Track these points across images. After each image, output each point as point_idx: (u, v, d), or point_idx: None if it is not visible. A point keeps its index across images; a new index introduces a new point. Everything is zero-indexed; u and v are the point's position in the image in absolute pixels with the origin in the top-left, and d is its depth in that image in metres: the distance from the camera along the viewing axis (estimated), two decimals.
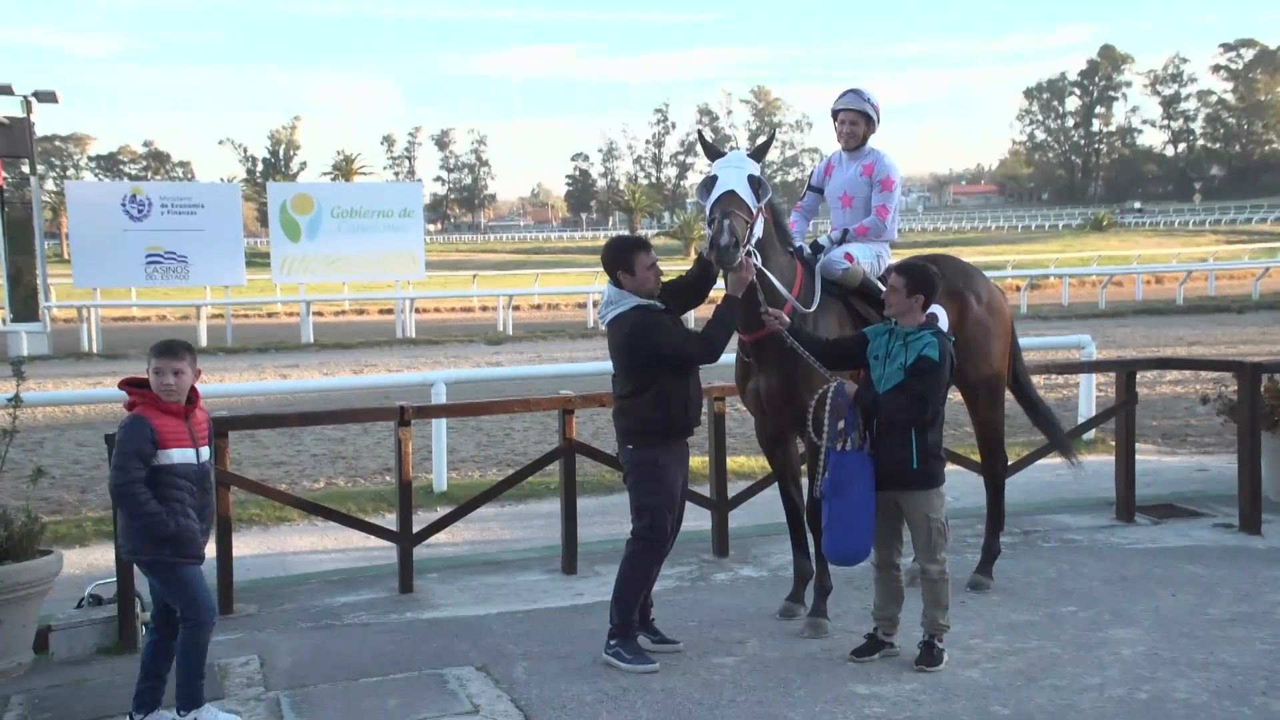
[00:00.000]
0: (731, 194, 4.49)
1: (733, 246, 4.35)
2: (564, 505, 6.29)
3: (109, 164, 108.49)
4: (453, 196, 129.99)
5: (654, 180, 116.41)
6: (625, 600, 4.60)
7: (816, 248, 5.19)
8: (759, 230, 4.64)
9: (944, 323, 5.33)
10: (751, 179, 4.56)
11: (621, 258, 4.54)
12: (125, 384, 4.13)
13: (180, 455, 4.00)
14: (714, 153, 4.74)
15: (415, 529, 6.01)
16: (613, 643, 4.60)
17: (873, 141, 5.42)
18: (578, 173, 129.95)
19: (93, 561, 6.79)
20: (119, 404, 12.56)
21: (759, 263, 4.62)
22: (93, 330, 20.98)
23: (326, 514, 6.45)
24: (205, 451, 4.14)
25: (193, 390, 4.10)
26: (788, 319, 4.68)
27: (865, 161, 5.36)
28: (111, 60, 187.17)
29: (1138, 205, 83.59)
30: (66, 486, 9.14)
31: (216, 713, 4.10)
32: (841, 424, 4.48)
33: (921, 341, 4.43)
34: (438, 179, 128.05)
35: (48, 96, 21.14)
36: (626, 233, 5.20)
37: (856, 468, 4.47)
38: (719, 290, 4.76)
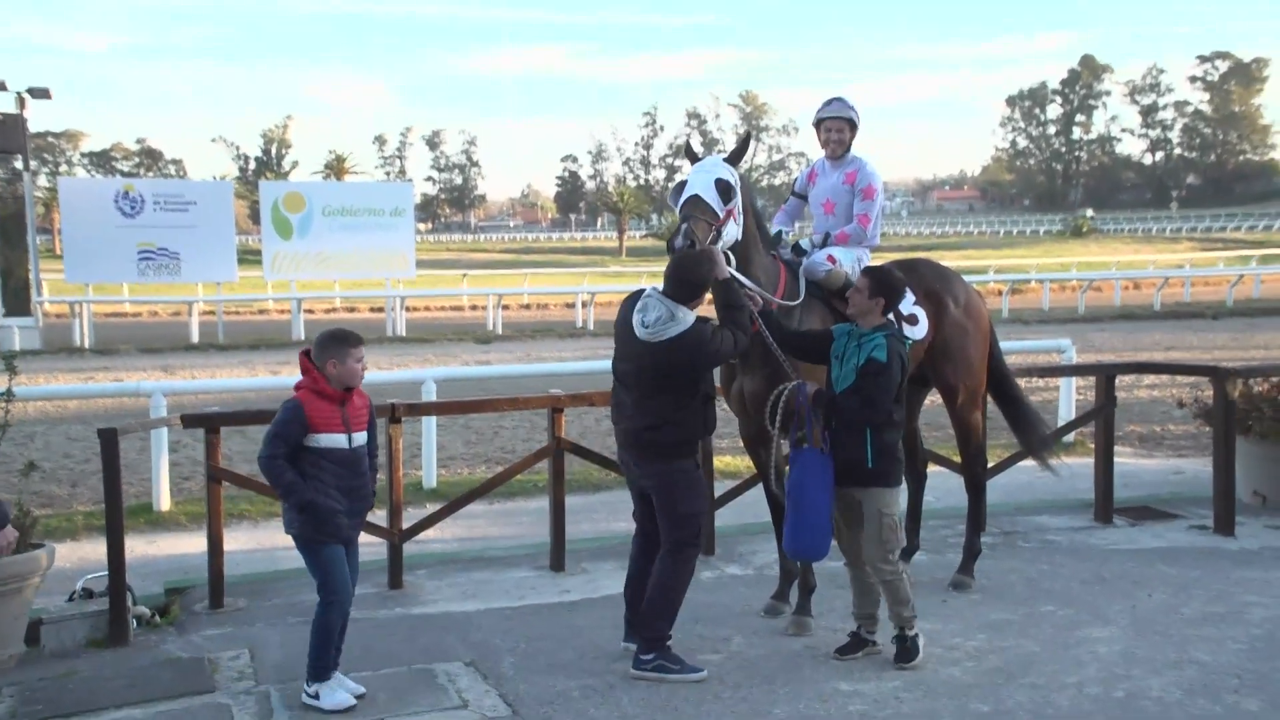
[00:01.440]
0: (695, 198, 4.59)
1: (688, 249, 4.46)
2: (552, 503, 6.36)
3: (101, 160, 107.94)
4: (443, 196, 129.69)
5: (643, 182, 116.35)
6: (672, 609, 4.52)
7: (798, 250, 5.27)
8: (732, 231, 4.71)
9: (923, 327, 5.44)
10: (719, 183, 4.63)
11: (700, 285, 4.41)
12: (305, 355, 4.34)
13: (329, 440, 4.20)
14: (694, 158, 4.84)
15: (405, 525, 6.07)
16: (652, 656, 4.46)
17: (855, 147, 5.52)
18: (567, 174, 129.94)
19: (84, 555, 6.83)
20: (111, 399, 12.45)
21: (734, 266, 4.69)
22: (84, 325, 20.95)
23: None
24: (359, 436, 4.32)
25: None
26: (762, 302, 4.73)
27: (848, 169, 5.45)
28: (105, 57, 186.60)
29: (1089, 213, 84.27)
30: (58, 480, 9.18)
31: (337, 689, 4.27)
32: (803, 426, 4.54)
33: (872, 343, 4.49)
34: (429, 179, 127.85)
35: (41, 93, 21.12)
36: (681, 243, 4.69)
37: (813, 466, 4.53)
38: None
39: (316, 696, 4.26)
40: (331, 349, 4.21)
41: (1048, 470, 6.21)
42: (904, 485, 4.69)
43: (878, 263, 5.35)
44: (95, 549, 6.58)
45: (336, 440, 4.22)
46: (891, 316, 4.72)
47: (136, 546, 6.87)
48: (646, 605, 4.52)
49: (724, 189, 4.63)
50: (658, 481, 4.49)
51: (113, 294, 25.97)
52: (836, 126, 5.42)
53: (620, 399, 4.57)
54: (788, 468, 4.68)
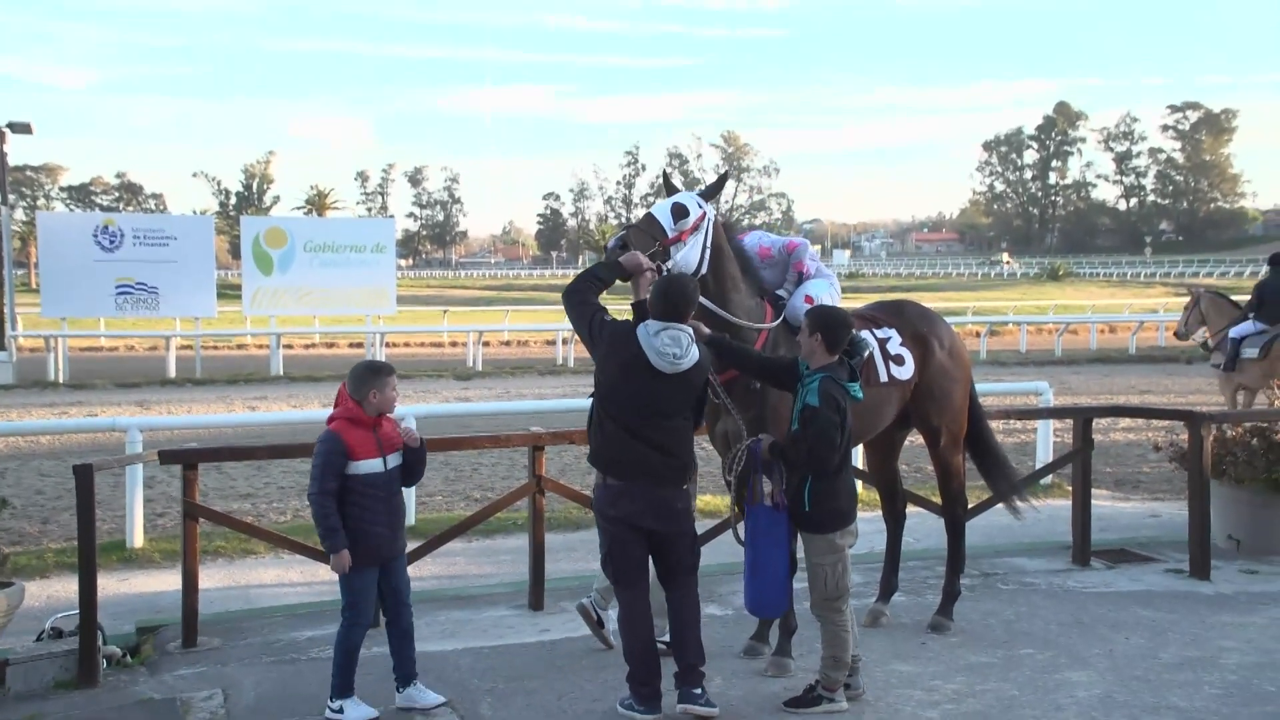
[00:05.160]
0: (647, 215, 4.72)
1: (616, 249, 4.58)
2: (531, 541, 6.32)
3: (81, 195, 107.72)
4: (425, 232, 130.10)
5: (624, 220, 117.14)
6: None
7: (775, 300, 5.26)
8: (689, 257, 4.72)
9: (909, 368, 5.46)
10: (675, 205, 4.71)
11: (687, 302, 4.36)
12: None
13: (368, 465, 4.49)
14: (672, 189, 4.93)
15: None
16: (701, 689, 4.40)
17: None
18: (549, 211, 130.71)
19: (53, 593, 6.72)
20: (84, 434, 12.29)
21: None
22: (59, 360, 20.74)
23: (293, 547, 6.42)
24: (393, 458, 4.60)
25: None
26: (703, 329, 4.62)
27: (761, 245, 5.42)
28: (86, 92, 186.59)
29: (1005, 258, 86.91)
30: (28, 517, 9.04)
31: (360, 704, 4.50)
32: (763, 481, 4.51)
33: (809, 386, 4.43)
34: (410, 215, 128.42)
35: (22, 127, 21.11)
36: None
37: (764, 523, 4.49)
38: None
39: (341, 711, 4.48)
40: (371, 380, 4.53)
41: (1015, 516, 6.23)
42: (851, 528, 4.56)
43: (857, 304, 5.39)
44: (66, 587, 6.49)
45: (374, 465, 4.51)
46: (844, 357, 4.54)
47: (108, 584, 6.77)
48: (695, 644, 4.43)
49: (678, 211, 4.70)
50: (679, 508, 4.44)
51: (89, 328, 25.75)
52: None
53: (625, 438, 4.34)
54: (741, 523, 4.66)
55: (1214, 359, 11.85)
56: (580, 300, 4.54)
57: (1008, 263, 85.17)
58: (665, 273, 4.59)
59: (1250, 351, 11.13)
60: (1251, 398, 11.26)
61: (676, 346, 4.25)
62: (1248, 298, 11.80)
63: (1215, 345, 11.88)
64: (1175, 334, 13.15)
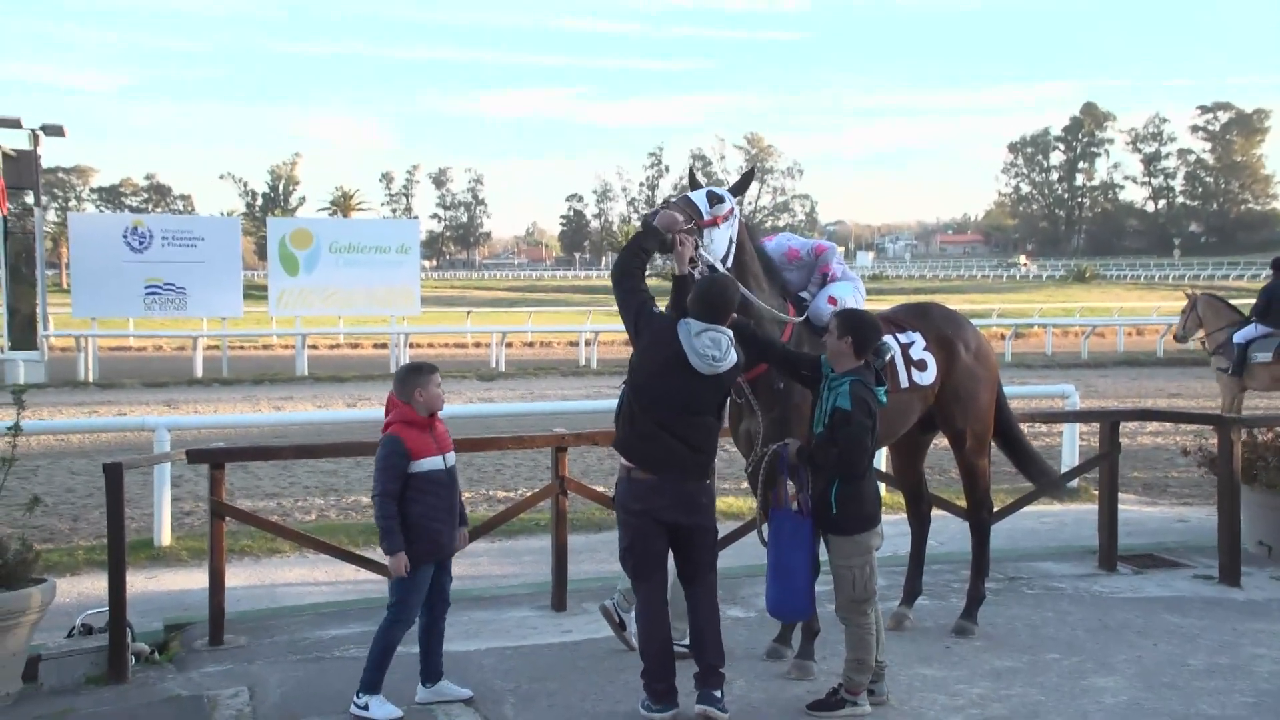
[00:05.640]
0: (683, 196, 4.74)
1: (650, 218, 4.59)
2: (554, 542, 6.34)
3: (110, 196, 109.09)
4: (449, 234, 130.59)
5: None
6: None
7: (799, 301, 5.28)
8: (717, 242, 4.73)
9: (931, 373, 5.44)
10: (710, 193, 4.76)
11: (729, 305, 4.40)
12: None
13: (429, 463, 4.60)
14: (696, 185, 4.92)
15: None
16: (720, 692, 4.40)
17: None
18: (572, 213, 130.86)
19: (84, 590, 6.81)
20: (114, 433, 12.42)
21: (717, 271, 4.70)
22: (89, 359, 21.01)
23: (318, 546, 6.48)
24: (450, 456, 4.72)
25: None
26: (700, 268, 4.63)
27: (790, 246, 5.46)
28: (116, 96, 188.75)
29: (1023, 260, 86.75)
30: (59, 515, 9.16)
31: (386, 702, 4.53)
32: (788, 485, 4.51)
33: (839, 390, 4.41)
34: (434, 216, 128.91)
35: (55, 130, 21.39)
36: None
37: (788, 529, 4.49)
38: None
39: (366, 708, 4.50)
40: (414, 380, 4.64)
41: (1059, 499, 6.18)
42: (877, 530, 4.55)
43: (883, 307, 5.37)
44: (95, 584, 6.57)
45: (434, 463, 4.61)
46: (871, 360, 4.56)
47: (136, 582, 6.85)
48: (715, 644, 4.42)
49: (713, 197, 4.74)
50: (703, 501, 4.48)
51: (118, 328, 26.06)
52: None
53: (656, 431, 4.35)
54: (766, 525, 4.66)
55: (1217, 362, 11.88)
56: (631, 287, 4.58)
57: (1025, 265, 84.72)
58: (700, 263, 4.60)
59: (1263, 356, 11.16)
60: (1241, 400, 11.40)
61: (716, 349, 4.29)
62: (1252, 301, 11.85)
63: (1216, 348, 11.88)
64: (1175, 337, 13.27)
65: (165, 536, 8.17)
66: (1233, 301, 12.91)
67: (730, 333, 4.37)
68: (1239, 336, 11.50)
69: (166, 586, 7.15)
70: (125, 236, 21.72)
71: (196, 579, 6.70)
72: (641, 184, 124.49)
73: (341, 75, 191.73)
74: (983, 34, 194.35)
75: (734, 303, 4.43)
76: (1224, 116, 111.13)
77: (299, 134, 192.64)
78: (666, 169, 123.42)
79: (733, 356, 4.35)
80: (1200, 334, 12.53)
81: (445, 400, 4.82)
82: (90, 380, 20.22)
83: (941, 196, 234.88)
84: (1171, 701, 4.66)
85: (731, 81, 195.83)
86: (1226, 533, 6.74)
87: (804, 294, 5.33)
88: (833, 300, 5.23)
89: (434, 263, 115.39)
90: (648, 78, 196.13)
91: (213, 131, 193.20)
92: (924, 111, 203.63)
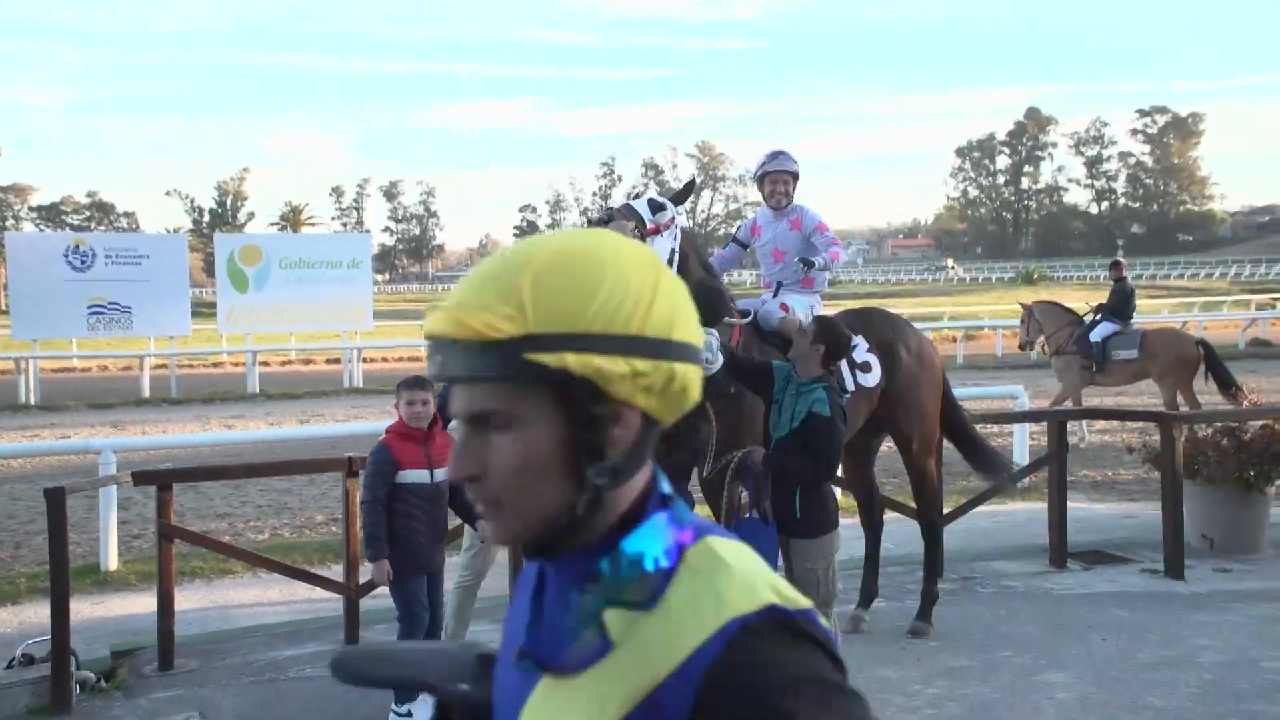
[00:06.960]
0: (628, 205, 4.84)
1: (599, 224, 4.65)
2: (511, 557, 6.30)
3: (51, 214, 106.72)
4: (401, 247, 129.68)
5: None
6: None
7: (744, 312, 5.36)
8: (659, 249, 4.76)
9: (875, 374, 5.52)
10: (651, 201, 4.87)
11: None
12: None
13: (414, 476, 4.65)
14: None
15: (361, 580, 5.98)
16: None
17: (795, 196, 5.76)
18: (525, 224, 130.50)
19: (25, 619, 6.63)
20: (58, 457, 12.15)
21: None
22: (30, 381, 20.49)
23: (271, 566, 6.39)
24: (441, 474, 4.63)
25: (435, 417, 4.74)
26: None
27: (791, 217, 5.70)
28: (57, 112, 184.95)
29: (950, 264, 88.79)
30: (0, 543, 8.91)
31: (423, 704, 4.53)
32: (744, 493, 4.57)
33: (813, 396, 4.42)
34: (386, 229, 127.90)
35: None
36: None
37: (755, 538, 4.45)
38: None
39: (409, 714, 4.59)
40: (400, 394, 4.76)
41: (1013, 483, 6.30)
42: (837, 533, 4.60)
43: (829, 311, 5.46)
44: (38, 612, 6.40)
45: (420, 476, 4.65)
46: (834, 367, 4.69)
47: (82, 608, 6.68)
48: None
49: (655, 205, 4.84)
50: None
51: (61, 349, 25.46)
52: (781, 179, 5.64)
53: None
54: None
55: (1065, 362, 12.27)
56: None
57: (952, 269, 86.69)
58: None
59: (1126, 354, 11.56)
60: (1080, 396, 11.90)
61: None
62: (1087, 304, 12.46)
63: (1058, 349, 12.28)
64: (1019, 346, 13.69)
65: (113, 561, 7.98)
66: (1184, 301, 13.37)
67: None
68: (1096, 335, 11.92)
69: (114, 612, 6.98)
70: (66, 256, 21.23)
71: (145, 603, 6.56)
72: (594, 194, 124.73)
73: (291, 90, 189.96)
74: (935, 42, 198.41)
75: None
76: (1161, 120, 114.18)
77: (247, 150, 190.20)
78: (619, 179, 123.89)
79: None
80: (1042, 339, 12.85)
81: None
82: (32, 403, 19.72)
83: (894, 203, 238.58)
84: (1120, 695, 4.76)
85: (688, 91, 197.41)
86: (1170, 528, 6.90)
87: (744, 305, 5.46)
88: (785, 307, 5.30)
89: (387, 276, 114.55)
90: (603, 87, 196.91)
91: (158, 148, 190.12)
92: (877, 119, 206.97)
